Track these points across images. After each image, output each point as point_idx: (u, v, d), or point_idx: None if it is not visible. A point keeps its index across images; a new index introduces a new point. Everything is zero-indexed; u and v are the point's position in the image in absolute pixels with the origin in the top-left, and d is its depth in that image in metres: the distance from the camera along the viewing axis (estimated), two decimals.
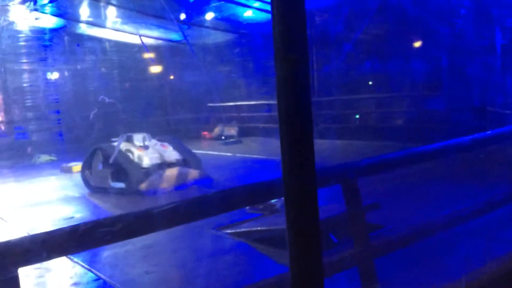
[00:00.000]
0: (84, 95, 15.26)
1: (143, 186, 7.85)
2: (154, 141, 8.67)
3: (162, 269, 4.51)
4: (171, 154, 8.45)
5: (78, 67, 16.03)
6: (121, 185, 8.10)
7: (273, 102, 12.90)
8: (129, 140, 8.46)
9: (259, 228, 4.82)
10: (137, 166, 8.05)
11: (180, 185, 7.86)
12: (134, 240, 3.78)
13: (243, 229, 4.93)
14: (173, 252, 4.84)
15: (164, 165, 8.30)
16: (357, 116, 12.93)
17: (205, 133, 15.07)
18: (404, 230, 3.31)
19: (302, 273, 1.36)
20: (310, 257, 1.37)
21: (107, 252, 4.79)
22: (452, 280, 3.15)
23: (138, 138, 8.52)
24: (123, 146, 8.28)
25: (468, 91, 9.99)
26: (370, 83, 13.07)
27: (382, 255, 3.00)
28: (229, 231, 5.01)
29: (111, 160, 8.12)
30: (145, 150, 8.32)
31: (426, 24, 10.95)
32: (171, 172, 8.13)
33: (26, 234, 4.66)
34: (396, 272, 3.45)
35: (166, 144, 8.67)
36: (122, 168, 8.06)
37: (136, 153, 8.18)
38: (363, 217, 3.03)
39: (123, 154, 8.16)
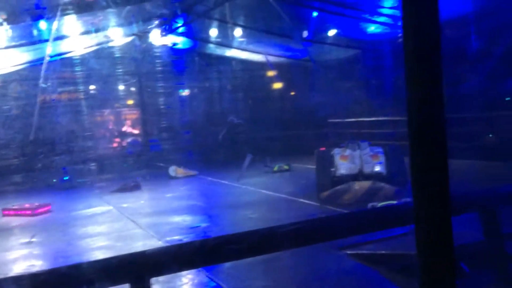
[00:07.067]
0: (214, 115, 16.25)
1: (324, 195, 7.84)
2: (367, 150, 8.21)
3: (281, 286, 4.47)
4: (374, 166, 7.98)
5: (207, 85, 17.08)
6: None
7: (397, 118, 12.31)
8: (349, 146, 8.31)
9: (383, 252, 4.57)
10: (328, 174, 8.05)
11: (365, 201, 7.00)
12: None
13: (366, 251, 4.71)
14: (292, 269, 4.79)
15: (359, 177, 7.92)
16: (490, 135, 11.72)
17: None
18: None
19: None
20: None
21: (228, 263, 4.90)
22: None
23: (353, 146, 8.29)
24: (338, 152, 8.24)
25: None
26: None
27: None
28: (351, 252, 4.82)
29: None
30: (350, 159, 8.06)
31: None
32: (360, 186, 7.72)
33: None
34: None
35: (379, 154, 8.11)
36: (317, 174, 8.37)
37: (337, 161, 8.09)
38: (504, 250, 2.68)
39: (324, 161, 8.27)
